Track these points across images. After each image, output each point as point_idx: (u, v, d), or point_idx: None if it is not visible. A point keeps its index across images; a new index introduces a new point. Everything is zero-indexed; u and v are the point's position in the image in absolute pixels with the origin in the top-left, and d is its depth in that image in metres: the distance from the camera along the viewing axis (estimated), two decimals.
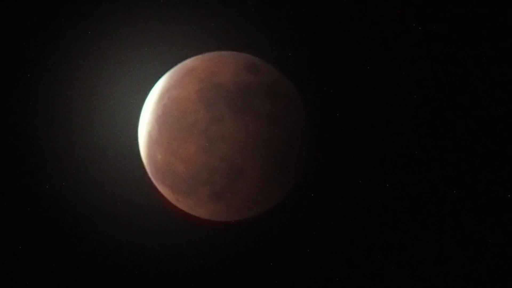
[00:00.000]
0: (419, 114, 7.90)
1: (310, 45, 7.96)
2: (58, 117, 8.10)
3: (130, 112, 7.84)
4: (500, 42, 7.69)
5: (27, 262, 8.16)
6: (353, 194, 8.00)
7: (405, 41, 7.83)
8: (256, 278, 8.13)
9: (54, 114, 8.10)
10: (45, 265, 8.16)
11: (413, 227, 7.99)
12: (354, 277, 8.08)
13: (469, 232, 7.90)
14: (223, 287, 8.17)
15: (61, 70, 8.08)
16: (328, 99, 7.93)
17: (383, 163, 7.96)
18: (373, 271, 8.07)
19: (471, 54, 7.76)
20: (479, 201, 7.84)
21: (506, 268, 7.82)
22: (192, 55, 7.48)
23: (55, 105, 8.10)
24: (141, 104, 7.55)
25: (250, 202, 7.10)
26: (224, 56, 7.37)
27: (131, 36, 8.00)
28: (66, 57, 8.07)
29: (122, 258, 8.15)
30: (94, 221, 8.11)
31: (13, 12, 8.00)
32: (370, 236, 8.05)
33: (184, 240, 8.10)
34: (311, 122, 7.51)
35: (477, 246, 7.89)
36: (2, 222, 8.13)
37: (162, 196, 7.49)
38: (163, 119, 6.96)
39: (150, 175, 7.47)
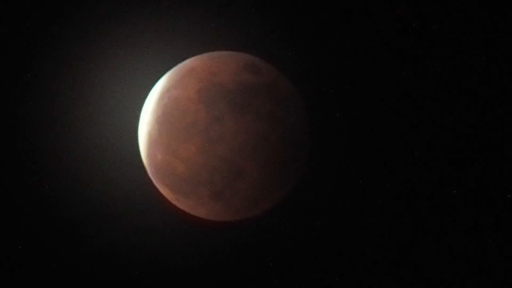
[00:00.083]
0: (419, 114, 7.90)
1: (310, 45, 7.96)
2: (58, 117, 8.10)
3: (130, 112, 7.84)
4: (500, 42, 7.70)
5: (27, 262, 8.16)
6: (353, 194, 8.00)
7: (405, 41, 7.84)
8: (256, 278, 8.13)
9: (54, 114, 8.10)
10: (45, 265, 8.16)
11: (413, 227, 7.99)
12: (354, 277, 8.08)
13: (469, 232, 7.90)
14: (223, 287, 8.17)
15: (61, 70, 8.09)
16: (328, 99, 7.94)
17: (383, 163, 7.96)
18: (373, 271, 8.07)
19: (471, 54, 7.76)
20: (479, 201, 7.85)
21: (506, 268, 7.82)
22: (192, 55, 7.48)
23: (55, 105, 8.10)
24: (141, 104, 7.55)
25: (250, 202, 7.10)
26: (224, 56, 7.37)
27: (131, 36, 8.00)
28: (66, 57, 8.07)
29: (122, 258, 8.15)
30: (94, 221, 8.11)
31: (13, 12, 8.00)
32: (370, 236, 8.05)
33: (184, 240, 8.10)
34: (311, 122, 7.51)
35: (477, 246, 7.89)
36: (2, 222, 8.13)
37: (162, 196, 7.49)
38: (163, 119, 6.96)
39: (150, 175, 7.47)
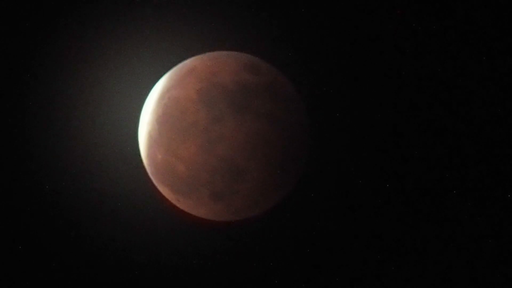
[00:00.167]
0: (419, 114, 7.90)
1: (310, 45, 7.96)
2: (58, 117, 8.10)
3: (130, 112, 7.84)
4: (500, 42, 7.70)
5: (27, 262, 8.16)
6: (353, 194, 8.00)
7: (405, 41, 7.84)
8: (256, 278, 8.13)
9: (54, 114, 8.10)
10: (45, 265, 8.16)
11: (413, 227, 7.99)
12: (354, 277, 8.08)
13: (469, 232, 7.90)
14: (223, 287, 8.17)
15: (61, 70, 8.09)
16: (328, 99, 7.94)
17: (383, 163, 7.97)
18: (373, 271, 8.07)
19: (471, 54, 7.76)
20: (479, 201, 7.85)
21: (506, 268, 7.82)
22: (192, 55, 7.48)
23: (55, 105, 8.10)
24: (141, 104, 7.55)
25: (250, 202, 7.10)
26: (224, 56, 7.37)
27: (131, 36, 8.01)
28: (66, 57, 8.07)
29: (122, 258, 8.16)
30: (94, 221, 8.11)
31: (13, 12, 8.00)
32: (370, 236, 8.05)
33: (184, 240, 8.10)
34: (311, 122, 7.51)
35: (477, 246, 7.89)
36: (2, 222, 8.13)
37: (162, 196, 7.49)
38: (163, 119, 6.96)
39: (150, 175, 7.47)
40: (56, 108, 8.09)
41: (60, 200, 8.13)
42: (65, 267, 8.17)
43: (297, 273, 8.14)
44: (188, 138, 6.72)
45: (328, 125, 7.91)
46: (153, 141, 7.12)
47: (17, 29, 8.02)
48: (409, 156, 7.93)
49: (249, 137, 6.67)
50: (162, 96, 7.14)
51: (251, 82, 6.93)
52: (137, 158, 7.61)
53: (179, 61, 7.49)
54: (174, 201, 7.40)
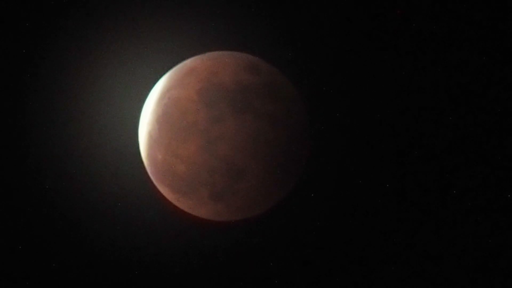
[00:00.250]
0: (419, 114, 7.90)
1: (310, 45, 7.96)
2: (58, 117, 8.10)
3: (130, 112, 7.84)
4: (500, 42, 7.70)
5: (27, 262, 8.16)
6: (353, 194, 8.00)
7: (405, 41, 7.84)
8: (256, 278, 8.13)
9: (54, 114, 8.10)
10: (45, 265, 8.16)
11: (413, 227, 7.99)
12: (354, 277, 8.08)
13: (469, 232, 7.90)
14: (223, 287, 8.17)
15: (61, 70, 8.09)
16: (328, 99, 7.94)
17: (383, 163, 7.96)
18: (373, 271, 8.07)
19: (471, 54, 7.76)
20: (479, 201, 7.85)
21: (506, 268, 7.82)
22: (192, 55, 7.48)
23: (55, 105, 8.10)
24: (141, 104, 7.55)
25: (250, 202, 7.10)
26: (224, 56, 7.37)
27: (131, 36, 8.01)
28: (66, 57, 8.07)
29: (122, 258, 8.16)
30: (94, 221, 8.11)
31: (13, 11, 8.00)
32: (370, 236, 8.05)
33: (184, 240, 8.10)
34: (311, 122, 7.51)
35: (477, 246, 7.89)
36: (2, 222, 8.13)
37: (162, 196, 7.49)
38: (164, 119, 6.96)
39: (150, 175, 7.47)
40: (56, 108, 8.09)
41: (60, 200, 8.13)
42: (65, 267, 8.17)
43: (297, 273, 8.14)
44: (188, 138, 6.72)
45: (328, 125, 7.92)
46: (153, 141, 7.12)
47: (17, 29, 8.02)
48: (409, 156, 7.93)
49: (249, 137, 6.67)
50: (162, 96, 7.14)
51: (251, 82, 6.93)
52: (137, 158, 7.61)
53: (179, 61, 7.49)
54: (174, 201, 7.40)
